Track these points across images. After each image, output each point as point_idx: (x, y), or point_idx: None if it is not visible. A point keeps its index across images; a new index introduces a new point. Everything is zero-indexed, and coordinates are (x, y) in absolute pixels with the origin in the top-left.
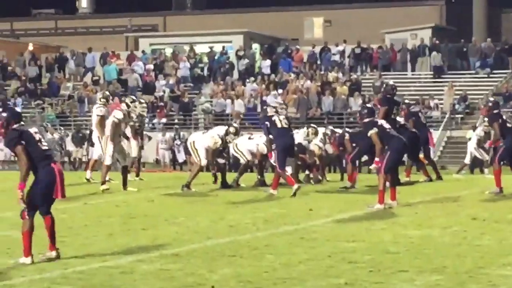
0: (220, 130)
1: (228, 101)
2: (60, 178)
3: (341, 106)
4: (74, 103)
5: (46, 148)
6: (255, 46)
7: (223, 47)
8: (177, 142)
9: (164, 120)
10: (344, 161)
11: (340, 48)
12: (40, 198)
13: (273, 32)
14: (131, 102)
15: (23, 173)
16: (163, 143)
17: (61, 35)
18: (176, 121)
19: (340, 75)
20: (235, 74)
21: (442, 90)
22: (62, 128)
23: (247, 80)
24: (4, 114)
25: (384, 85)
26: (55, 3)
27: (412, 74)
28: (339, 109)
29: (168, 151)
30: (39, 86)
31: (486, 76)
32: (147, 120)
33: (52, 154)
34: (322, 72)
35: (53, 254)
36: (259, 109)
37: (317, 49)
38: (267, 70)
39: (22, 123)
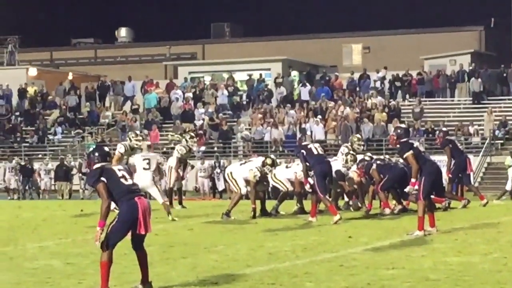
0: (258, 162)
1: (267, 128)
2: (142, 213)
3: (380, 133)
4: (114, 132)
5: (131, 183)
6: (294, 74)
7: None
8: (217, 170)
9: (203, 148)
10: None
11: (380, 74)
12: (119, 233)
13: (311, 59)
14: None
15: (103, 211)
16: (202, 171)
17: (101, 64)
18: (215, 149)
19: (379, 101)
20: (274, 102)
21: (482, 116)
22: None
23: (286, 108)
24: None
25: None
26: (94, 33)
27: (452, 100)
28: (378, 135)
29: (207, 179)
30: (78, 115)
31: None
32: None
33: (138, 189)
34: (361, 99)
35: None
36: (298, 136)
37: (356, 76)
38: (305, 97)
39: (106, 162)
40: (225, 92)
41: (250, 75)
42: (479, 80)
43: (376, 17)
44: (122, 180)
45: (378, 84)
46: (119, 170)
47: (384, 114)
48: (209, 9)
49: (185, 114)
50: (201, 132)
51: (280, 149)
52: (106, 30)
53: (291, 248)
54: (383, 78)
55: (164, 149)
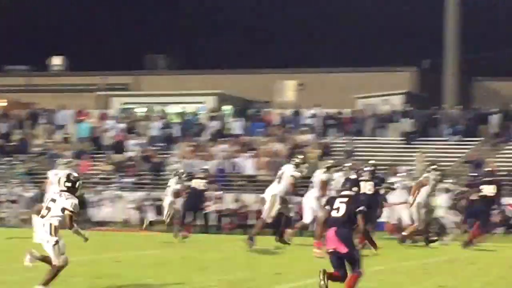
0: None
1: (199, 161)
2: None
3: (311, 170)
4: (44, 160)
5: (335, 215)
6: (227, 108)
7: (197, 108)
8: (147, 202)
9: (133, 179)
10: None
11: (313, 111)
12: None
13: (245, 94)
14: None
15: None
16: (131, 202)
17: (33, 91)
18: (146, 181)
19: (311, 138)
20: (207, 135)
21: (413, 156)
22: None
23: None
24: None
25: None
26: (28, 60)
27: (383, 140)
28: (309, 172)
29: (136, 210)
30: (9, 142)
31: (456, 143)
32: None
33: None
34: (293, 135)
35: None
36: (228, 170)
37: (289, 112)
38: (238, 132)
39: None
40: (158, 124)
41: (183, 108)
42: (411, 120)
43: (311, 54)
44: (333, 211)
45: (310, 121)
46: (339, 202)
47: (316, 151)
48: (145, 40)
49: (117, 145)
50: (132, 163)
51: None
52: (40, 57)
53: (217, 283)
54: (316, 115)
55: (96, 179)
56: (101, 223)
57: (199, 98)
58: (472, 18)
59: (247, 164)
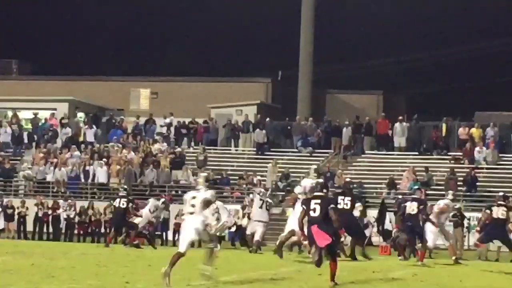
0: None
1: (50, 168)
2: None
3: (164, 179)
4: None
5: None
6: (80, 115)
7: (52, 114)
8: None
9: None
10: None
11: (167, 120)
12: None
13: (99, 101)
14: None
15: None
16: None
17: None
18: None
19: (165, 147)
20: (59, 142)
21: (266, 167)
22: None
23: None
24: None
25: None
26: None
27: (236, 150)
28: (162, 181)
29: None
30: None
31: (308, 154)
32: None
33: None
34: (147, 144)
35: None
36: (82, 178)
37: (142, 120)
38: (91, 139)
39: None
40: (9, 130)
41: (35, 114)
42: (264, 131)
43: (165, 63)
44: (311, 212)
45: (164, 130)
46: (314, 203)
47: (169, 160)
48: None
49: None
50: None
51: (62, 190)
52: None
53: None
54: (170, 124)
55: None
56: None
57: (51, 104)
58: (325, 31)
59: (100, 172)
